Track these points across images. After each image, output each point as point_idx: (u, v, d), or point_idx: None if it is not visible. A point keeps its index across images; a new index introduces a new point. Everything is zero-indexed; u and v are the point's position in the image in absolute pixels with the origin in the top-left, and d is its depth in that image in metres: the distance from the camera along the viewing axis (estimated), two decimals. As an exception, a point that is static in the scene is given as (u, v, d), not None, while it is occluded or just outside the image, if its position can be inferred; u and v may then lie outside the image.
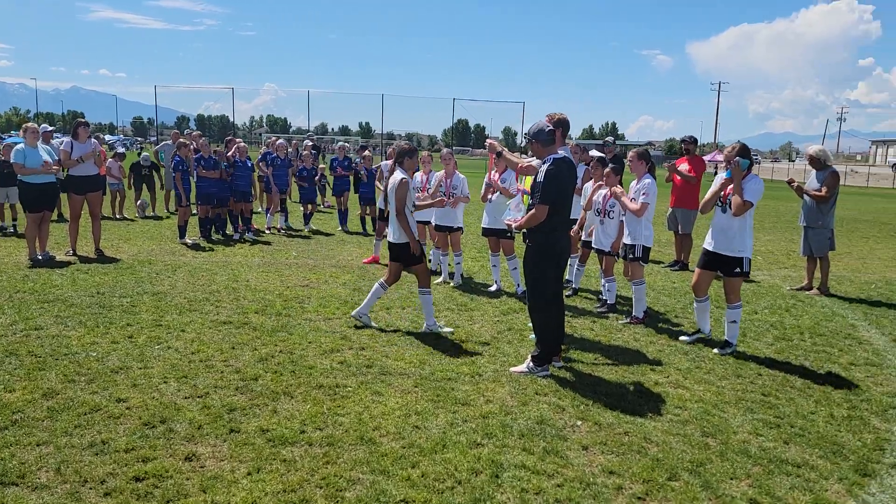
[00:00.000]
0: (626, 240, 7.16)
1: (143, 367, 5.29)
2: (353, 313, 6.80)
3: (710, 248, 6.26)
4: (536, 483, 3.71)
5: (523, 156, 7.27)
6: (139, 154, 16.81)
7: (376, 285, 6.73)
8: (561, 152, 5.50)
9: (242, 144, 12.78)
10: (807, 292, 9.06)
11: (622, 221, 7.28)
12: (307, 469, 3.78)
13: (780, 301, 8.47)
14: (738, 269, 6.11)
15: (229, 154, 12.47)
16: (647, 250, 7.13)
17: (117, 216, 14.68)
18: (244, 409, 4.56)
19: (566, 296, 8.26)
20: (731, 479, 3.84)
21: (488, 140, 6.70)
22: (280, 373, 5.26)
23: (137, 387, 4.87)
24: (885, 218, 22.47)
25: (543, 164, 5.38)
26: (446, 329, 6.64)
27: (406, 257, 6.57)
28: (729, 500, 3.59)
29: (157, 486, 3.54)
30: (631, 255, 7.11)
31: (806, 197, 9.06)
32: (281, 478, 3.67)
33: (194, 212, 12.40)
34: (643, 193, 6.98)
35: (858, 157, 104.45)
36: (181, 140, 12.88)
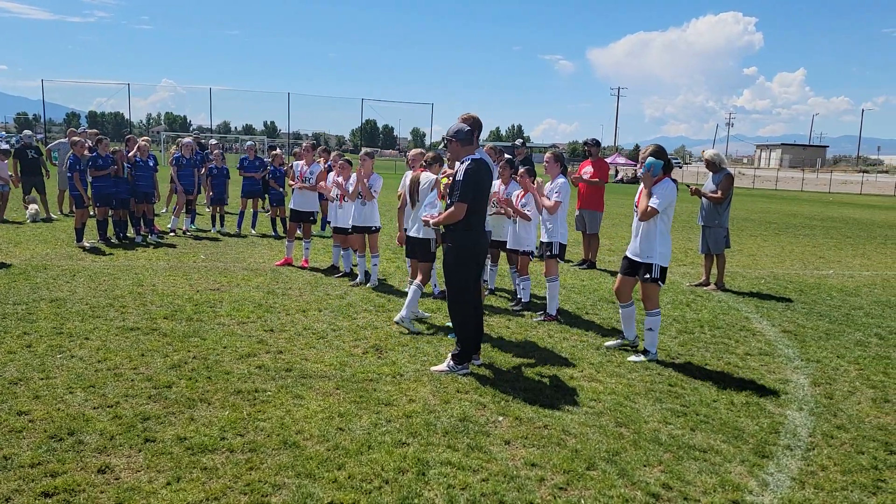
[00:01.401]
0: (544, 238, 7.41)
1: (45, 377, 4.99)
2: (395, 319, 6.72)
3: (627, 254, 6.21)
4: (462, 479, 3.78)
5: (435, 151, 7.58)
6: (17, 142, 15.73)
7: (413, 287, 6.74)
8: (478, 154, 5.60)
9: (143, 143, 12.23)
10: (704, 288, 9.62)
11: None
12: (230, 476, 3.69)
13: (681, 296, 8.95)
14: (647, 276, 5.99)
15: (130, 154, 11.91)
16: (563, 247, 7.41)
17: (3, 219, 13.69)
18: (159, 417, 4.39)
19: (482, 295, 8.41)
20: (645, 466, 4.05)
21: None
22: (195, 379, 5.09)
23: (40, 398, 4.59)
24: (770, 217, 24.10)
25: (462, 163, 5.47)
26: (426, 314, 7.04)
27: (423, 253, 6.95)
28: (643, 486, 3.78)
29: (69, 501, 3.36)
30: (548, 253, 7.35)
31: (703, 198, 9.61)
32: (202, 486, 3.57)
33: (93, 214, 11.76)
34: (556, 192, 7.25)
35: (745, 161, 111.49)
36: (75, 138, 12.18)
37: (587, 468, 3.98)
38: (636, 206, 6.12)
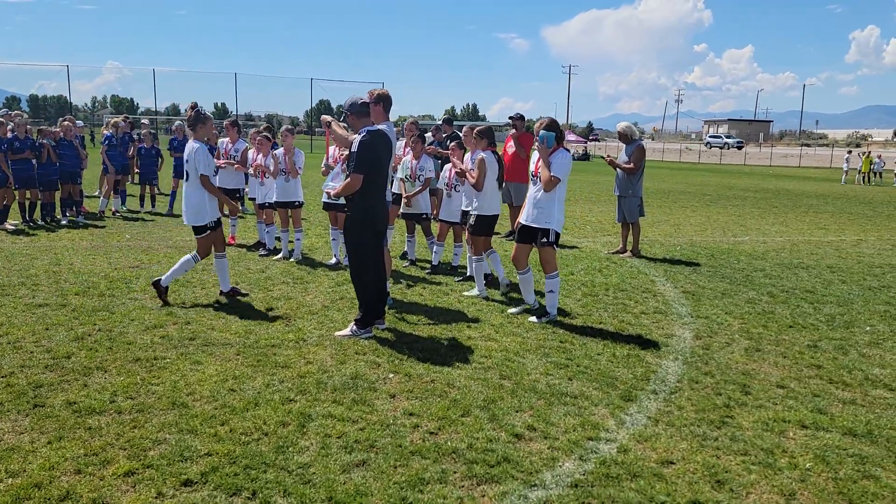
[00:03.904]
0: (466, 207, 7.67)
1: (-59, 351, 5.03)
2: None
3: (522, 221, 6.47)
4: (340, 428, 4.00)
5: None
6: None
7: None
8: (381, 126, 5.76)
9: (66, 122, 12.04)
10: (621, 255, 10.01)
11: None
12: (113, 434, 3.84)
13: (596, 263, 9.31)
14: (545, 239, 6.27)
15: (56, 131, 11.71)
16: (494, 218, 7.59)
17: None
18: (52, 385, 4.50)
19: (403, 266, 8.64)
20: (517, 411, 4.33)
21: (323, 116, 6.87)
22: (95, 349, 5.20)
23: (-69, 371, 4.65)
24: (706, 190, 24.87)
25: (358, 135, 5.63)
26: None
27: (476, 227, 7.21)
28: (509, 428, 4.06)
29: (-55, 460, 3.47)
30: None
31: (617, 169, 9.96)
32: (83, 444, 3.71)
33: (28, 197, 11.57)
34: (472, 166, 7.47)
35: (693, 136, 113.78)
36: (-4, 119, 11.92)
37: (461, 415, 4.24)
38: (533, 175, 6.39)
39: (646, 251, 10.34)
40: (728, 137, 77.69)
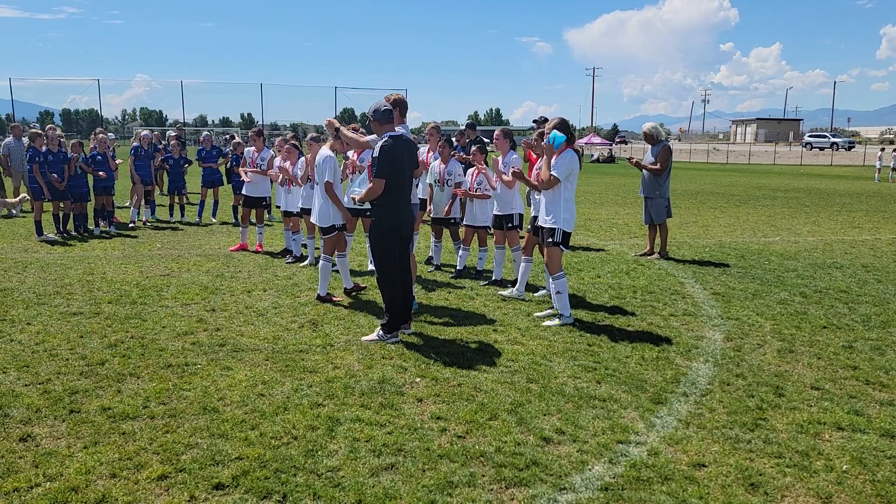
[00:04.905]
0: (500, 211, 7.77)
1: (-20, 359, 5.16)
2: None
3: (539, 223, 6.52)
4: (368, 432, 4.02)
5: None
6: None
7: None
8: (400, 130, 5.82)
9: (101, 136, 12.30)
10: (648, 257, 9.91)
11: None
12: (146, 439, 3.90)
13: (623, 266, 9.23)
14: (550, 239, 6.28)
15: (92, 146, 12.00)
16: (521, 217, 7.81)
17: (-36, 216, 13.72)
18: (87, 391, 4.59)
19: (428, 271, 8.66)
20: (545, 415, 4.31)
21: (326, 119, 6.92)
22: (128, 356, 5.29)
23: (-28, 378, 4.77)
24: (735, 190, 24.51)
25: (380, 140, 5.67)
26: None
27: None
28: (537, 432, 4.04)
29: (-15, 465, 3.56)
30: (508, 225, 7.69)
31: (644, 170, 9.88)
32: (118, 448, 3.78)
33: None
34: (512, 167, 7.50)
35: (721, 136, 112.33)
36: (34, 131, 12.23)
37: (489, 419, 4.23)
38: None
39: (674, 253, 10.22)
40: (835, 136, 66.54)
